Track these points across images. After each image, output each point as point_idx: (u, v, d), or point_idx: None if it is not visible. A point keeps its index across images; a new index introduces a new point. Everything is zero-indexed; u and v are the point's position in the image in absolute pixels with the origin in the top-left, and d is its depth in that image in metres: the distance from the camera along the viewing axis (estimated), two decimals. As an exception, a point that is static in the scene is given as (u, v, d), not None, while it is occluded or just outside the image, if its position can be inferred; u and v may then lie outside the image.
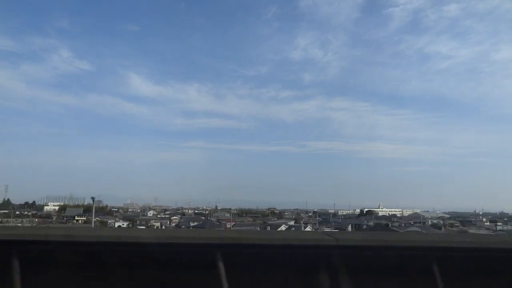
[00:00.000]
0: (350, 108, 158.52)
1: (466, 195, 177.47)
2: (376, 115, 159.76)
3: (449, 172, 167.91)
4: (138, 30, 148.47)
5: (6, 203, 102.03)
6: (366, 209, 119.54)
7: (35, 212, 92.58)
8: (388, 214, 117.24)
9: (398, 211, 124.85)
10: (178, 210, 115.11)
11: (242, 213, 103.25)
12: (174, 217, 76.25)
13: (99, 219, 70.09)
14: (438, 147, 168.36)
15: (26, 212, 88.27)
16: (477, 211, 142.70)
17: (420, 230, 39.23)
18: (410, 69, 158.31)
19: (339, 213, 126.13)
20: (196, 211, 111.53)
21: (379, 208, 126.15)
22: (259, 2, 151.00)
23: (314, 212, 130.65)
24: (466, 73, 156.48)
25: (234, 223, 61.47)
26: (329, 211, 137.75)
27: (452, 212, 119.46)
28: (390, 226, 61.01)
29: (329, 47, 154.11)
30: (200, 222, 63.06)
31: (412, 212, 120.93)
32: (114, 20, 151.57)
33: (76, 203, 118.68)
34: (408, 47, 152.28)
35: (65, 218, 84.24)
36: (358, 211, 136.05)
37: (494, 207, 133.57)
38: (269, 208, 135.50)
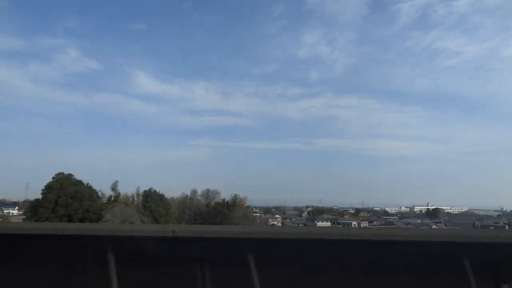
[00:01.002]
0: (357, 105, 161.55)
1: (475, 193, 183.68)
2: (383, 112, 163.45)
3: (455, 170, 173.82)
4: (145, 29, 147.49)
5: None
6: (432, 207, 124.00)
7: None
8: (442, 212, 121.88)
9: (448, 208, 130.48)
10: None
11: (317, 212, 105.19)
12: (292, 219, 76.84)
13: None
14: (444, 145, 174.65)
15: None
16: (504, 209, 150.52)
17: None
18: (418, 66, 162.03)
19: (389, 212, 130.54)
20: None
21: (427, 205, 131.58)
22: (265, 0, 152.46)
23: (374, 210, 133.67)
24: (474, 70, 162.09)
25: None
26: (375, 209, 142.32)
27: (497, 210, 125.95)
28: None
29: (336, 44, 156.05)
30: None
31: (461, 210, 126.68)
32: (121, 18, 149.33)
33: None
34: (416, 44, 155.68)
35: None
36: (404, 209, 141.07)
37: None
38: (306, 206, 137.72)
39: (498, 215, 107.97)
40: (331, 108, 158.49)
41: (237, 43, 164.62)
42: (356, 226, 61.44)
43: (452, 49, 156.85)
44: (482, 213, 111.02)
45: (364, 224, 71.73)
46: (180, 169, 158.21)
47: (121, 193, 45.95)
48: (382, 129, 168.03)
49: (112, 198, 43.84)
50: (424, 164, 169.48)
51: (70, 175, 45.96)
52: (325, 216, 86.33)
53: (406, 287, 2.46)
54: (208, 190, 49.95)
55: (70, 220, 40.67)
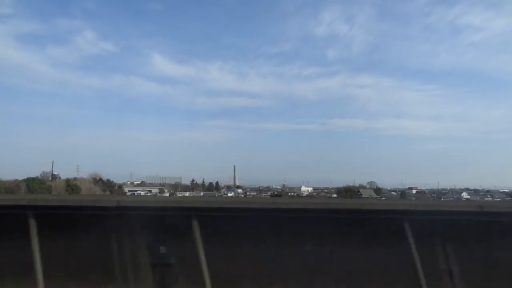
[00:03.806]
0: (375, 84, 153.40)
1: (497, 173, 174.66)
2: (402, 91, 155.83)
3: (478, 150, 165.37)
4: (162, 9, 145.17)
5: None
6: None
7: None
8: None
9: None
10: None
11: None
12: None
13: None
14: (467, 123, 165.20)
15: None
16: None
17: None
18: (440, 43, 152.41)
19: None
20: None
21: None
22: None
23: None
24: (499, 45, 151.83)
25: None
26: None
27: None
28: None
29: (355, 21, 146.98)
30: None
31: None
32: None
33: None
34: (438, 20, 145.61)
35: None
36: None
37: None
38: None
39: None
40: (348, 88, 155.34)
41: (254, 22, 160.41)
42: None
43: (476, 25, 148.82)
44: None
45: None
46: (196, 150, 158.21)
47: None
48: (400, 108, 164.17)
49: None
50: (443, 143, 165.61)
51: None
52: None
53: None
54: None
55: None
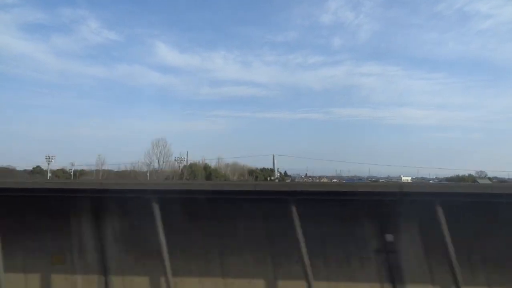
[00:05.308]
0: (381, 73, 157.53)
1: (503, 162, 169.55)
2: (408, 79, 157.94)
3: (483, 139, 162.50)
4: None
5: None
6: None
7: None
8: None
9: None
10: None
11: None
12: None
13: None
14: (473, 112, 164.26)
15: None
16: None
17: None
18: (448, 31, 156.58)
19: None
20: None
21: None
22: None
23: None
24: (508, 33, 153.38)
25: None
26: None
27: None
28: None
29: (361, 9, 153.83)
30: None
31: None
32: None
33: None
34: (446, 7, 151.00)
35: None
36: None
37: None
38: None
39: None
40: (353, 76, 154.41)
41: (258, 10, 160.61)
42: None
43: (485, 12, 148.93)
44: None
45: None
46: (200, 139, 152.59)
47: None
48: (406, 96, 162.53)
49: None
50: (449, 132, 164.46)
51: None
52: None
53: None
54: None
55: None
